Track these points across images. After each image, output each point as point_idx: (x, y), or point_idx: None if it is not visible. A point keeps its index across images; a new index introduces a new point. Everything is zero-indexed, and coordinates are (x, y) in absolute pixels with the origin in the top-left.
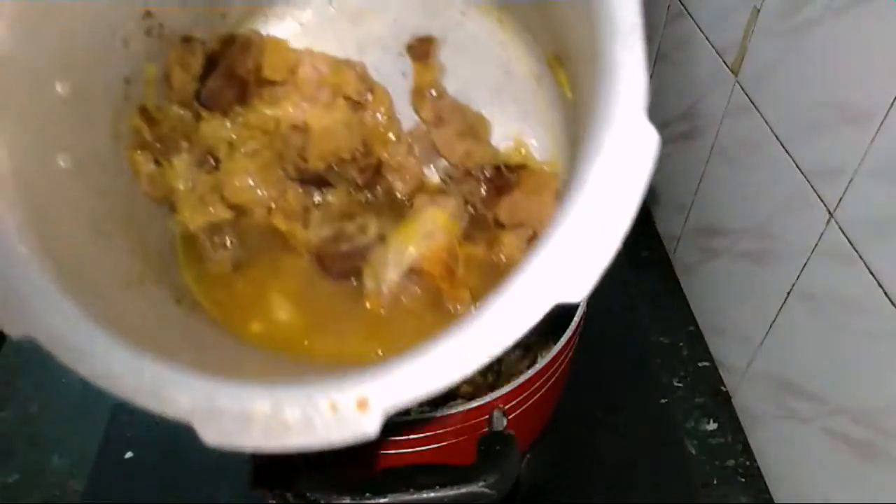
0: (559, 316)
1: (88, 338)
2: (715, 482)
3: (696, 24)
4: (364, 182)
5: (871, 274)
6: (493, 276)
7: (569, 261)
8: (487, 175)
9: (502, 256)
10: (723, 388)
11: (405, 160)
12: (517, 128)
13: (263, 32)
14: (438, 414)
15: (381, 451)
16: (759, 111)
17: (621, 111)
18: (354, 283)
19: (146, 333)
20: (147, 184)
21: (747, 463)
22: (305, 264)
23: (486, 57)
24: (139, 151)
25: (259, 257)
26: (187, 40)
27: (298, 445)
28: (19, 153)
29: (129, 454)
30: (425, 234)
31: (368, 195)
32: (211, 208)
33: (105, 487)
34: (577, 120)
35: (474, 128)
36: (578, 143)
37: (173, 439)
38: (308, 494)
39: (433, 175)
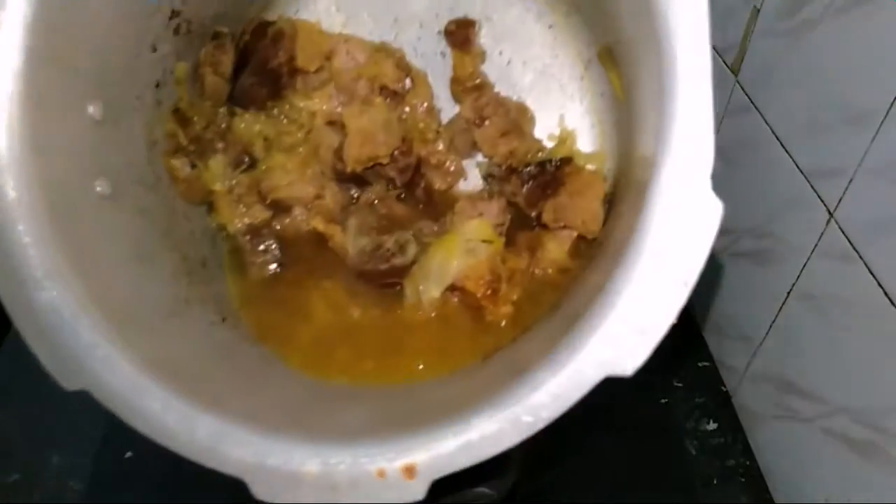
0: None
1: (142, 392)
2: (715, 482)
3: None
4: (403, 182)
5: (871, 274)
6: (535, 285)
7: (621, 338)
8: (532, 172)
9: (548, 270)
10: (723, 388)
11: (445, 156)
12: (562, 115)
13: (296, 11)
14: None
15: None
16: (759, 111)
17: (685, 182)
18: (396, 288)
19: (196, 368)
20: (185, 188)
21: (747, 463)
22: (344, 272)
23: (532, 38)
24: (175, 156)
25: (299, 262)
26: (216, 37)
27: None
28: (57, 189)
29: (129, 454)
30: (468, 251)
31: (407, 193)
32: (250, 208)
33: (105, 487)
34: (630, 124)
35: (517, 122)
36: (633, 199)
37: None
38: None
39: (474, 169)
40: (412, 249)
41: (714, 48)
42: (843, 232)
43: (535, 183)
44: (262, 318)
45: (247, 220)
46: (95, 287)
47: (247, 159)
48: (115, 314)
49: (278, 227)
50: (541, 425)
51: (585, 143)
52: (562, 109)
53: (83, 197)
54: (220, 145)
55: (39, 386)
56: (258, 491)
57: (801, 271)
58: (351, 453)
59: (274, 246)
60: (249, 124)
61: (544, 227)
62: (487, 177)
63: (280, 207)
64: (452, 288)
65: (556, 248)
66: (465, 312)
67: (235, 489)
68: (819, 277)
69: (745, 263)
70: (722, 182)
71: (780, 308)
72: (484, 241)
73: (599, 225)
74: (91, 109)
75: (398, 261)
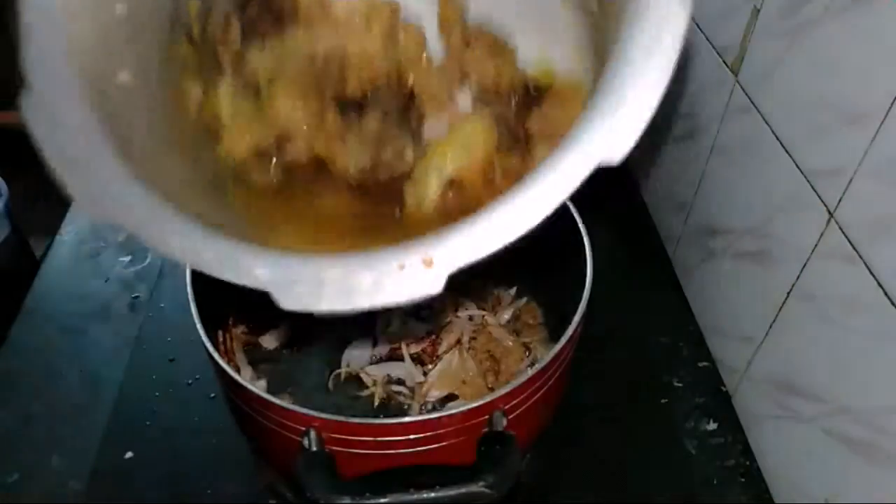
0: (561, 315)
1: (168, 221)
2: (715, 482)
3: (696, 24)
4: (399, 106)
5: (871, 274)
6: None
7: (607, 125)
8: (517, 95)
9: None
10: (723, 388)
11: (437, 87)
12: (543, 51)
13: None
14: (438, 414)
15: (382, 451)
16: (759, 111)
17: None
18: (395, 208)
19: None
20: (194, 111)
21: (747, 463)
22: (345, 192)
23: None
24: (187, 79)
25: (300, 183)
26: (226, 18)
27: (370, 304)
28: (89, 63)
29: (129, 454)
30: (464, 146)
31: (402, 120)
32: (254, 135)
33: (105, 487)
34: (605, 30)
35: (501, 48)
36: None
37: (173, 439)
38: (308, 494)
39: (465, 99)
40: (410, 153)
41: (714, 48)
42: (843, 232)
43: (522, 102)
44: (261, 221)
45: (252, 146)
46: (122, 142)
47: (253, 89)
48: (139, 164)
49: (281, 155)
50: (545, 212)
51: (567, 75)
52: (542, 46)
53: (109, 76)
54: (228, 71)
55: (39, 386)
56: (283, 301)
57: (801, 271)
58: (372, 256)
59: (277, 168)
60: (256, 58)
61: (532, 141)
62: (477, 99)
63: (283, 136)
64: (450, 186)
65: (543, 156)
66: (464, 212)
67: (235, 489)
68: (819, 277)
69: (745, 263)
70: (722, 182)
71: (780, 308)
72: (479, 140)
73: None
74: (118, 7)
75: (398, 168)
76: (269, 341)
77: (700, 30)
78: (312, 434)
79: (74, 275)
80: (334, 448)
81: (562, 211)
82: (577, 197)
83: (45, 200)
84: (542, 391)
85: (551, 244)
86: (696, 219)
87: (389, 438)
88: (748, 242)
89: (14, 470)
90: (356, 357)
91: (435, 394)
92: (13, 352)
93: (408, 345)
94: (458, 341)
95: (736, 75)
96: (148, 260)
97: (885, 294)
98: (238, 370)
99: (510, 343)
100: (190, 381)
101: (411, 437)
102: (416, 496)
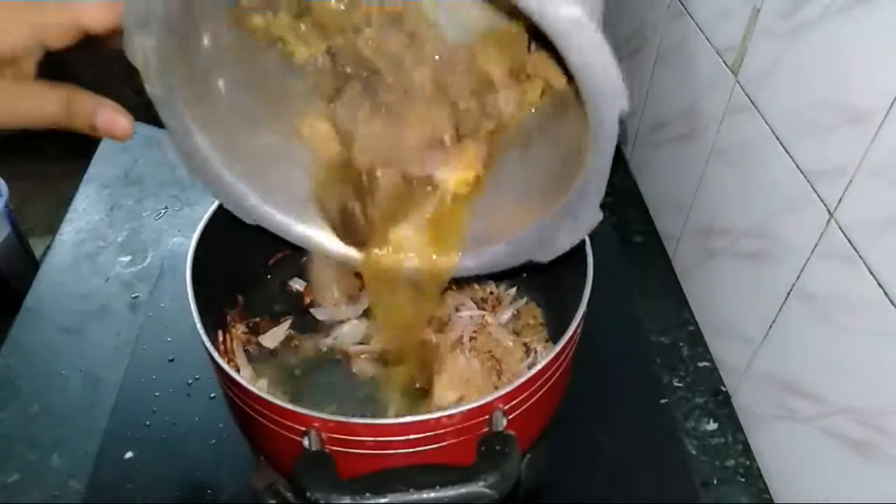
0: (561, 315)
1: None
2: (715, 482)
3: (696, 24)
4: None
5: (871, 274)
6: (501, 137)
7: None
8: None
9: (519, 115)
10: (723, 388)
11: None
12: None
13: None
14: (438, 414)
15: (382, 451)
16: (759, 111)
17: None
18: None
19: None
20: (260, 35)
21: (747, 463)
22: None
23: None
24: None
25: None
26: None
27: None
28: (169, 42)
29: (129, 454)
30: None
31: None
32: (311, 43)
33: (105, 487)
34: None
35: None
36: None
37: (173, 439)
38: (308, 494)
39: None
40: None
41: (714, 48)
42: (843, 232)
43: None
44: None
45: (312, 50)
46: (211, 126)
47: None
48: (234, 154)
49: (335, 52)
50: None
51: None
52: None
53: (194, 44)
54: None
55: (39, 386)
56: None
57: (801, 271)
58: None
59: (335, 69)
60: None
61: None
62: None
63: (332, 31)
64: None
65: (531, 91)
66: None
67: (235, 489)
68: (819, 277)
69: (745, 263)
70: (722, 182)
71: (780, 308)
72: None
73: (564, 81)
74: None
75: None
76: (269, 341)
77: (700, 30)
78: (312, 434)
79: (74, 275)
80: (334, 448)
81: None
82: None
83: (45, 200)
84: (542, 391)
85: None
86: (696, 219)
87: (389, 438)
88: (748, 242)
89: (14, 470)
90: (346, 334)
91: (448, 396)
92: (13, 352)
93: None
94: (459, 341)
95: (736, 75)
96: (148, 260)
97: (885, 294)
98: (238, 370)
99: (510, 343)
100: (190, 381)
101: (411, 437)
102: (416, 496)
